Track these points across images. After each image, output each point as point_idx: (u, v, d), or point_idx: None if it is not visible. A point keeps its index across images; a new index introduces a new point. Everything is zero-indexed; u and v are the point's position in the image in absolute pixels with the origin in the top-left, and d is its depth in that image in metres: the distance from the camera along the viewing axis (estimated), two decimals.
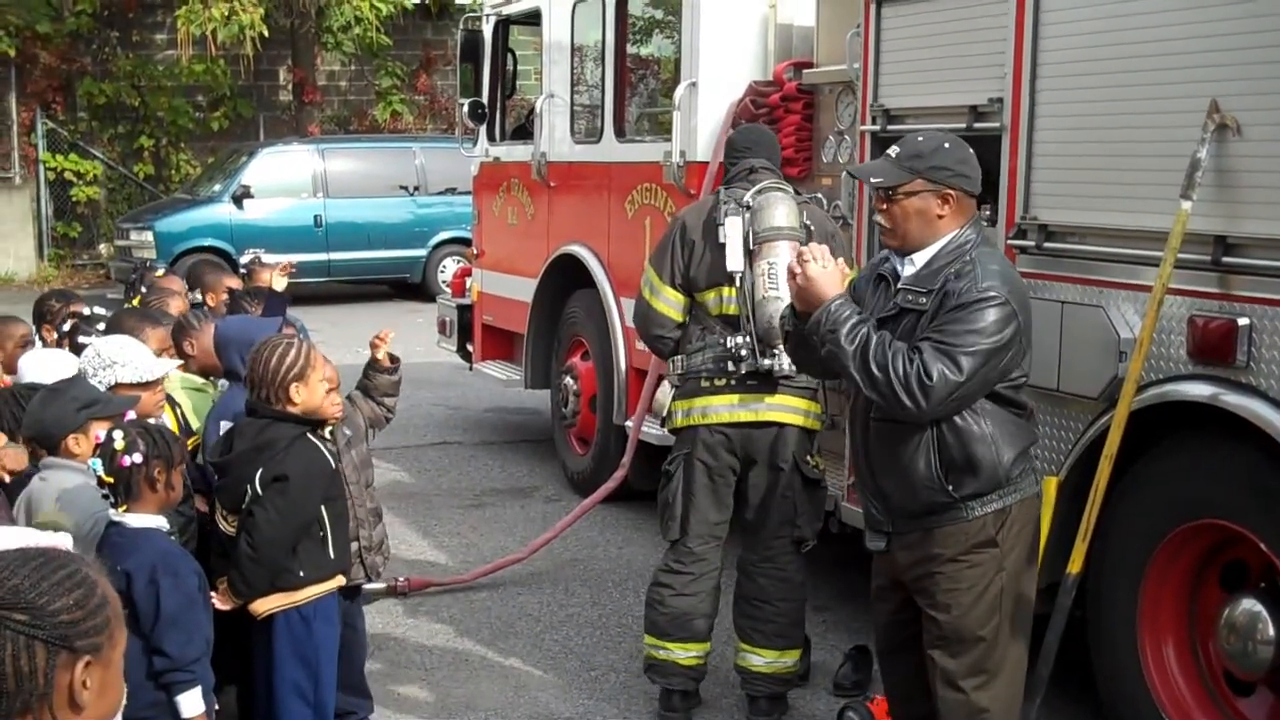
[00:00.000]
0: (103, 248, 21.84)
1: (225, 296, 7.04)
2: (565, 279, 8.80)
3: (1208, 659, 4.67)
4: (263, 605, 4.46)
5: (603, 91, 8.35)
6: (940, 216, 3.88)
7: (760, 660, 5.39)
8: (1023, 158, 5.08)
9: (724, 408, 5.32)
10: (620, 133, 8.24)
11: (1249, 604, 4.44)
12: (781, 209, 5.23)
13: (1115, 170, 4.76)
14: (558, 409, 9.03)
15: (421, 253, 18.89)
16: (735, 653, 5.49)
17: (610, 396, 8.21)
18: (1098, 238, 4.85)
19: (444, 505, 8.64)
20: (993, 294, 3.72)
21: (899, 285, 3.93)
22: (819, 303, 3.84)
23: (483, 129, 9.98)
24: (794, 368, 4.97)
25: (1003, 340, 3.72)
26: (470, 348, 10.37)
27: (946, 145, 3.95)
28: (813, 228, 5.33)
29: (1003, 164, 5.15)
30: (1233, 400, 4.29)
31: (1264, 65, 4.21)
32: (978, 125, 5.22)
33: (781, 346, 4.86)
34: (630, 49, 8.43)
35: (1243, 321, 4.27)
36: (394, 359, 5.28)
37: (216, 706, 4.14)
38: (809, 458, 5.41)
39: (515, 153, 9.49)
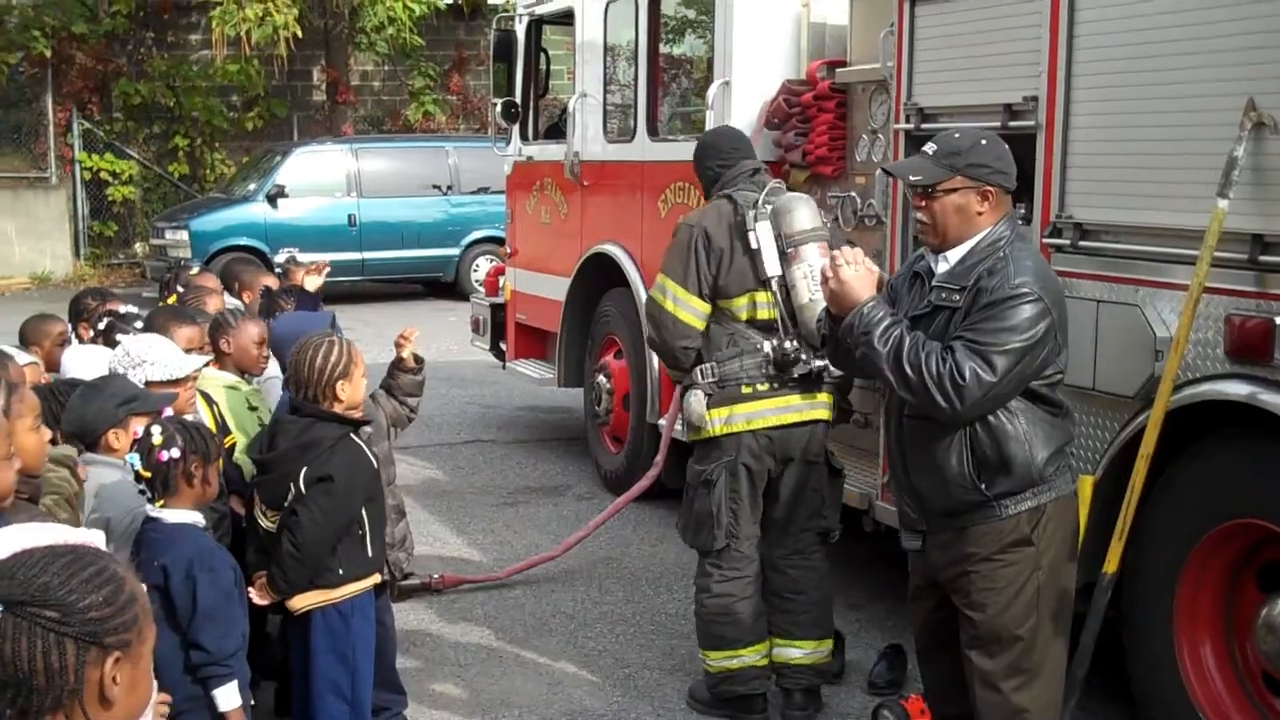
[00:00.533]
0: (138, 247, 22.00)
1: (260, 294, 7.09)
2: (598, 278, 8.81)
3: (1245, 660, 4.64)
4: (300, 601, 4.48)
5: (636, 91, 8.36)
6: (980, 213, 3.88)
7: (799, 652, 5.40)
8: (1058, 156, 5.06)
9: (770, 411, 5.30)
10: (653, 132, 8.25)
11: None
12: (805, 210, 5.20)
13: (1151, 168, 4.73)
14: (591, 407, 9.04)
15: (455, 252, 18.94)
16: (770, 648, 5.48)
17: (643, 395, 8.22)
18: (1133, 236, 4.82)
19: (477, 503, 8.67)
20: (1025, 290, 3.72)
21: (933, 283, 3.93)
22: (852, 305, 3.84)
23: (516, 128, 10.01)
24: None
25: (1035, 337, 3.71)
26: (503, 346, 10.41)
27: (983, 142, 3.95)
28: (830, 225, 5.34)
29: (1038, 162, 5.13)
30: (1270, 399, 4.25)
31: None
32: (1012, 124, 5.20)
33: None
34: (663, 48, 8.44)
35: None
36: (418, 359, 5.29)
37: (253, 702, 4.17)
38: (832, 449, 5.47)
39: (548, 152, 9.50)
